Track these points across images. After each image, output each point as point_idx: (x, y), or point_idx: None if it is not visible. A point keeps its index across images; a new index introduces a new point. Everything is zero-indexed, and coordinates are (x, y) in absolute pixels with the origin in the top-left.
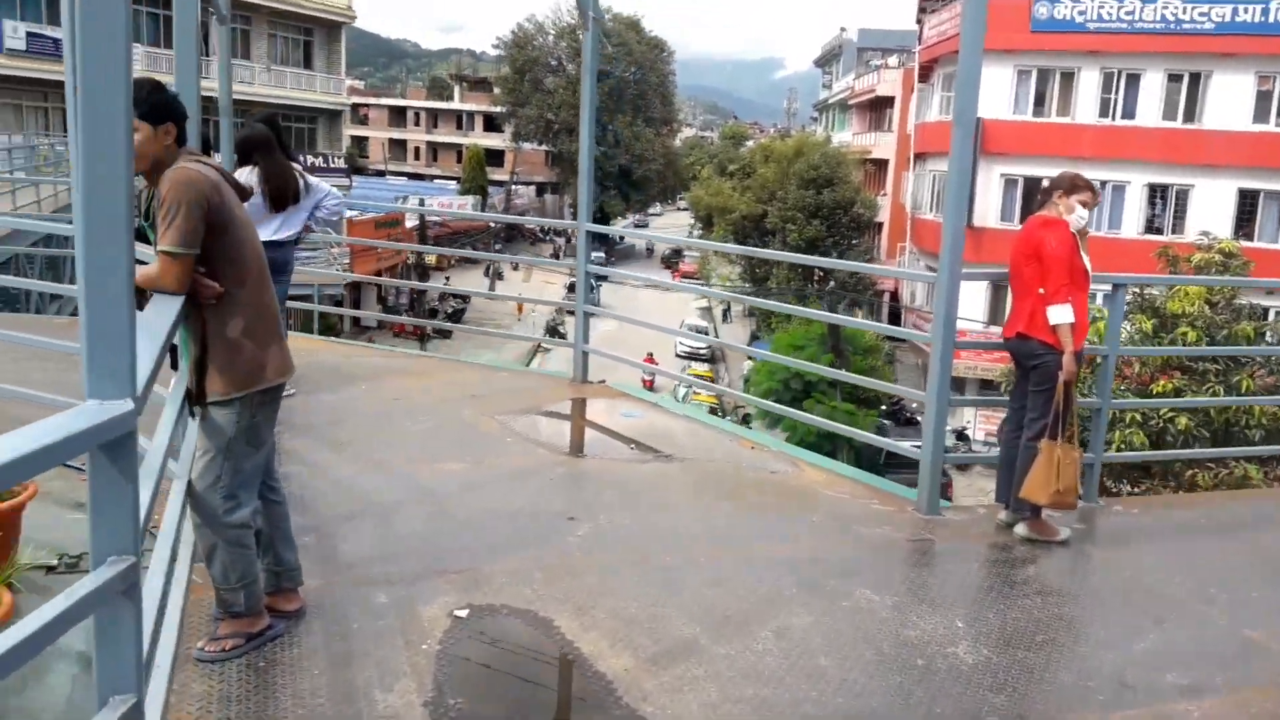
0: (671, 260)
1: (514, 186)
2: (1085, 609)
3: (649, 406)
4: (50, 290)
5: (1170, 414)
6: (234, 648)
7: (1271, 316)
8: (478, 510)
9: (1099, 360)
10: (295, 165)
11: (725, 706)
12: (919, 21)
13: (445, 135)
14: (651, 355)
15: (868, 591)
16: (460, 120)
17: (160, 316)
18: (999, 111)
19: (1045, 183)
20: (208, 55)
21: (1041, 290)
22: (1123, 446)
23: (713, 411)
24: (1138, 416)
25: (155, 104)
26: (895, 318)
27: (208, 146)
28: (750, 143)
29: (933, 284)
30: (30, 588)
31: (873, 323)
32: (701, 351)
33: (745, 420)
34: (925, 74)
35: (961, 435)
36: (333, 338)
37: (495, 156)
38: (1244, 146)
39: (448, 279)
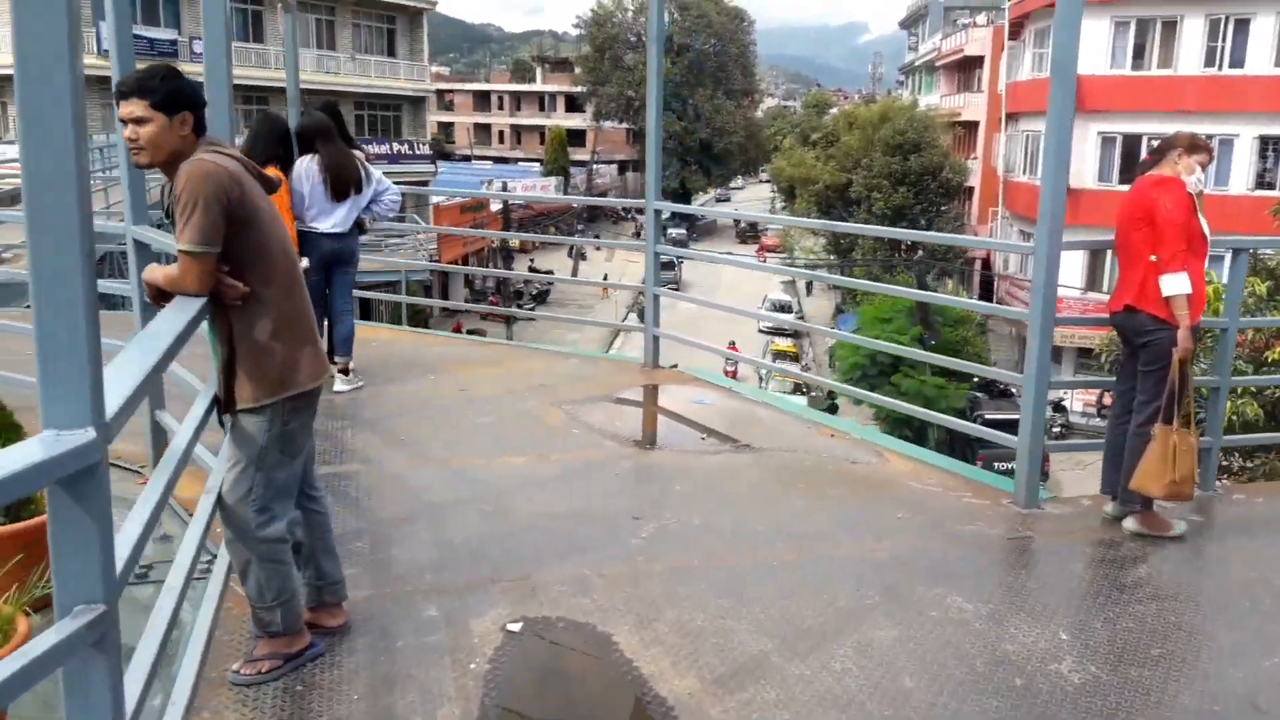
0: (748, 234)
1: (595, 166)
2: (1207, 616)
3: (723, 392)
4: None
5: None
6: (271, 670)
7: None
8: (537, 510)
9: (1217, 333)
10: (357, 154)
11: None
12: None
13: (528, 118)
14: (734, 344)
15: (959, 599)
16: (542, 102)
17: (168, 324)
18: (1096, 66)
19: (1155, 143)
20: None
21: (1154, 258)
22: (1234, 419)
23: (796, 389)
24: (1251, 386)
25: (169, 92)
26: (987, 286)
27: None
28: (834, 110)
29: (1028, 255)
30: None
31: (962, 300)
32: (785, 327)
33: (831, 404)
34: (1015, 31)
35: (1059, 406)
36: (420, 329)
37: (577, 137)
38: None
39: (532, 260)
